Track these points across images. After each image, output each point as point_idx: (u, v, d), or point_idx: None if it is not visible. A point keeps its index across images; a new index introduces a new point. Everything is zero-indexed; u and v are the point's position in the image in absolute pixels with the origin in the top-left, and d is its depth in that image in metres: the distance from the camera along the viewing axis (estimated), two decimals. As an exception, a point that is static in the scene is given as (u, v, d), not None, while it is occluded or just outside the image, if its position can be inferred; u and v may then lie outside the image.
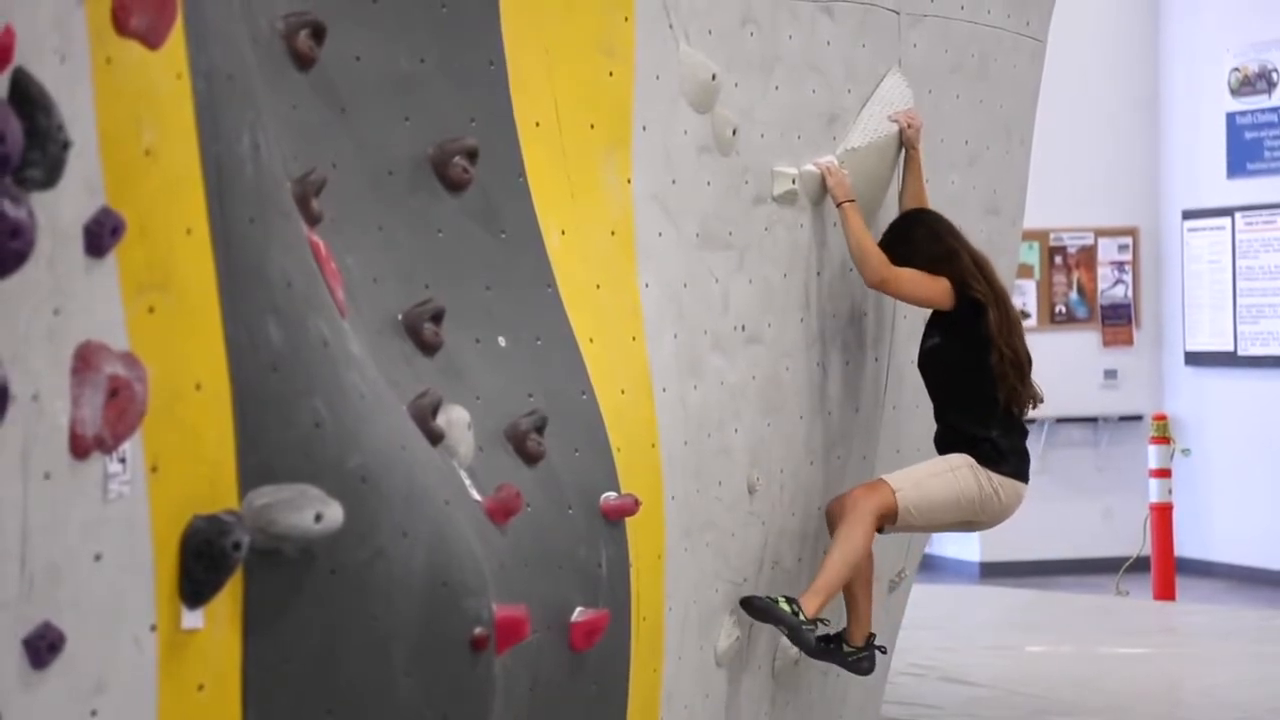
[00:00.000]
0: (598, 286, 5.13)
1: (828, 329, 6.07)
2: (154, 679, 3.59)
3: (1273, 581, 13.38)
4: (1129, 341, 14.56)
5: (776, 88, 5.82)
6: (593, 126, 5.15)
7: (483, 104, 4.89)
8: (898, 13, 6.25)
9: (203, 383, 3.68)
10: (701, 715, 5.57)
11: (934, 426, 6.33)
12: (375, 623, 4.02)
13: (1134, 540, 12.82)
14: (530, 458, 4.75)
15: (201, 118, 3.67)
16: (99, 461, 3.44)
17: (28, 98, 3.25)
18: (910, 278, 5.93)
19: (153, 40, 3.54)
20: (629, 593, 5.01)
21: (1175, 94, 14.39)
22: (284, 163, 4.13)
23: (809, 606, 5.68)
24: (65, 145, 3.31)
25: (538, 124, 5.00)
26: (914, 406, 6.35)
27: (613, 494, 4.97)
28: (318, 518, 3.84)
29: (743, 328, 5.71)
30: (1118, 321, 14.56)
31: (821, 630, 5.79)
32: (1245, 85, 13.84)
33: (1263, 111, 13.72)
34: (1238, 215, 13.86)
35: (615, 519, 4.97)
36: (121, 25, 3.47)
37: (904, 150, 6.21)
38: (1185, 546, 13.22)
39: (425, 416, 4.41)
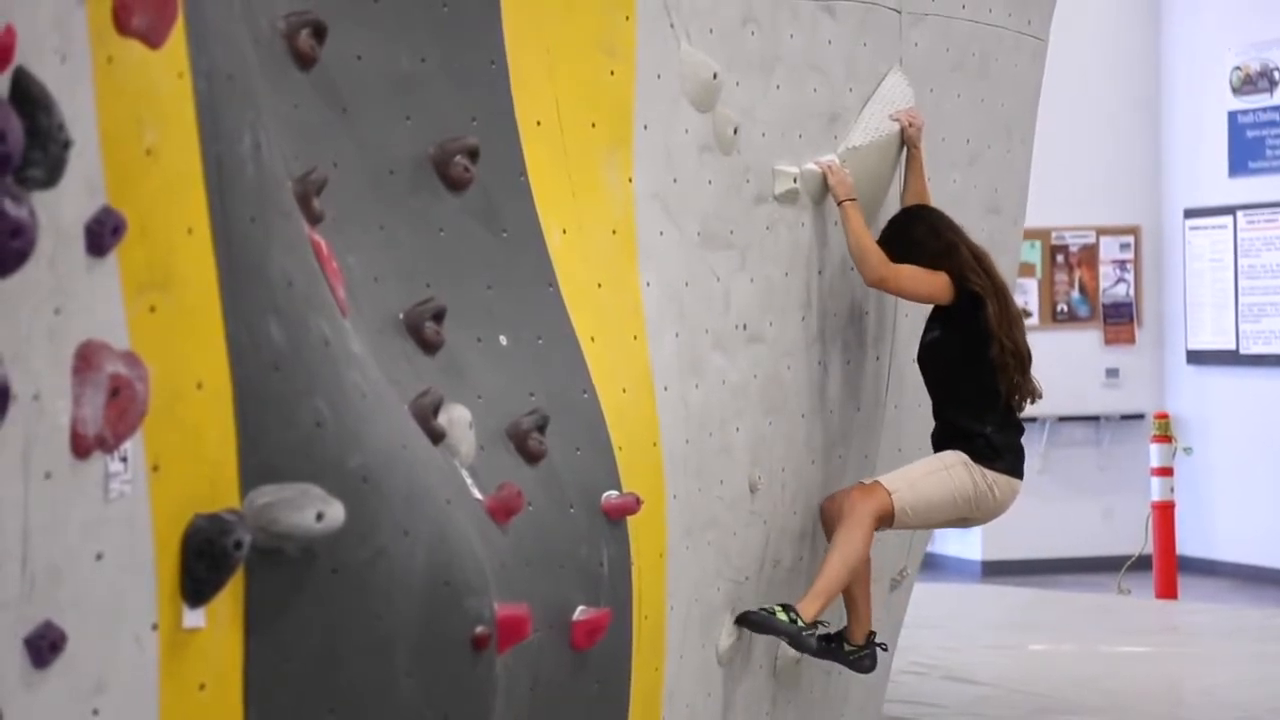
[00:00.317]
0: (599, 285, 5.13)
1: (829, 328, 6.07)
2: (155, 678, 3.60)
3: (1275, 580, 13.38)
4: (1131, 340, 14.56)
5: (778, 87, 5.82)
6: (594, 125, 5.15)
7: (484, 103, 4.89)
8: (899, 12, 6.25)
9: (204, 382, 3.68)
10: (703, 714, 5.57)
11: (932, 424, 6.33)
12: (377, 622, 4.02)
13: (1136, 539, 12.82)
14: (531, 456, 4.75)
15: (202, 117, 3.67)
16: (100, 461, 3.44)
17: (29, 97, 3.25)
18: (910, 274, 5.93)
19: (154, 40, 3.54)
20: (630, 592, 5.01)
21: (1177, 93, 14.39)
22: (285, 162, 4.13)
23: (808, 611, 5.68)
24: (66, 144, 3.31)
25: (539, 123, 5.00)
26: (915, 405, 6.35)
27: (614, 493, 4.97)
28: (319, 517, 3.84)
29: (744, 327, 5.71)
30: (1120, 320, 14.56)
31: (821, 630, 5.79)
32: (1247, 84, 13.83)
33: (1264, 110, 13.71)
34: (1239, 214, 13.86)
35: (617, 518, 4.97)
36: (122, 25, 3.48)
37: (905, 149, 6.21)
38: (1187, 545, 13.22)
39: (426, 415, 4.41)
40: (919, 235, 6.00)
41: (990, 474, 5.96)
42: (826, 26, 5.99)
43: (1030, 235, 12.66)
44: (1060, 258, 14.55)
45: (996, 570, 14.06)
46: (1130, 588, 12.43)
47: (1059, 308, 14.55)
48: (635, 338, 5.23)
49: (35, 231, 3.26)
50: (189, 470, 3.65)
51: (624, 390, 5.12)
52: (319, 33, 4.50)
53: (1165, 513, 12.30)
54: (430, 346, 4.62)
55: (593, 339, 5.04)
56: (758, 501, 5.77)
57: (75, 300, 3.38)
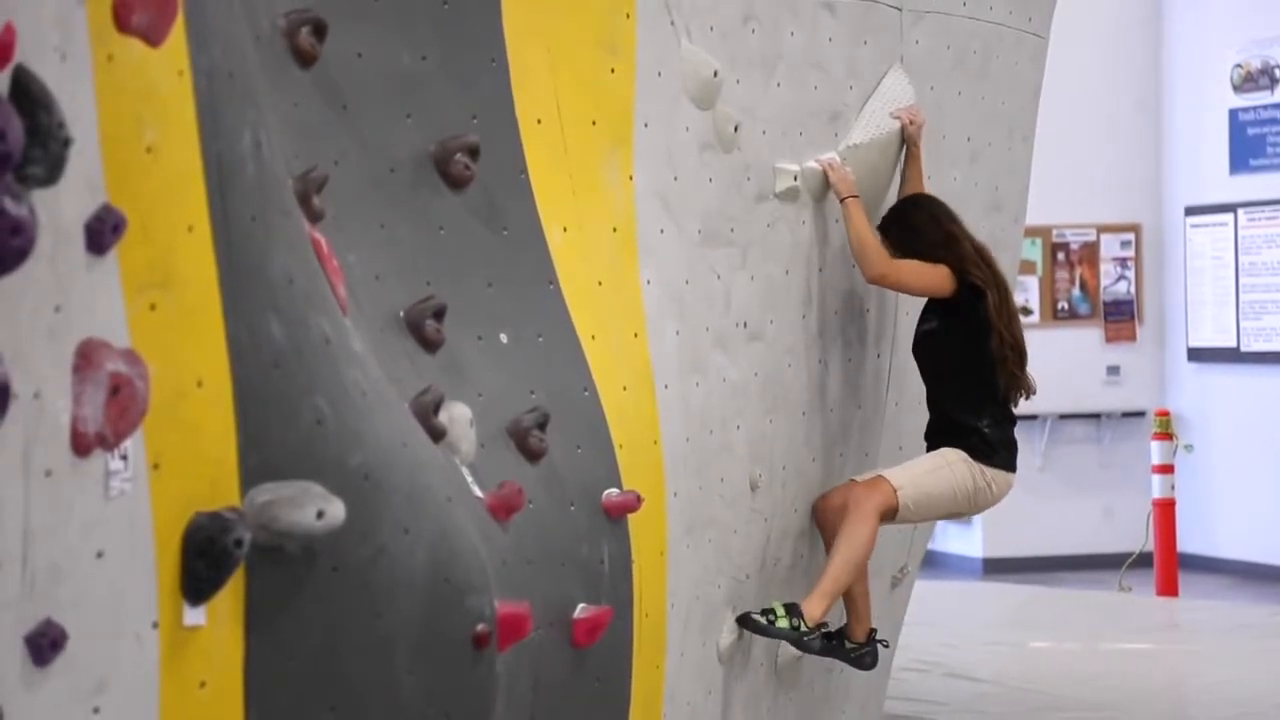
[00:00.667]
0: (599, 283, 5.13)
1: (830, 326, 6.07)
2: (156, 676, 3.60)
3: (1275, 577, 13.38)
4: (1132, 338, 14.55)
5: (778, 85, 5.82)
6: (594, 123, 5.15)
7: (484, 101, 4.89)
8: (900, 10, 6.25)
9: (204, 380, 3.68)
10: (704, 712, 5.57)
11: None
12: (377, 620, 4.02)
13: (1137, 536, 12.82)
14: (532, 455, 4.76)
15: (203, 115, 3.67)
16: (100, 459, 3.44)
17: (29, 95, 3.25)
18: (910, 269, 5.94)
19: (154, 38, 3.54)
20: (631, 589, 5.01)
21: (1178, 90, 14.38)
22: (285, 160, 4.13)
23: (813, 611, 5.68)
24: (66, 143, 3.31)
25: (539, 121, 5.00)
26: (916, 403, 6.35)
27: (615, 491, 4.97)
28: (319, 515, 3.84)
29: (745, 325, 5.71)
30: (1120, 318, 14.56)
31: (823, 630, 5.80)
32: (1248, 81, 13.83)
33: (1265, 108, 13.71)
34: (1240, 211, 13.86)
35: (617, 516, 4.97)
36: (123, 23, 3.47)
37: (906, 147, 6.21)
38: (1188, 542, 13.21)
39: (427, 414, 4.41)
40: (919, 222, 6.01)
41: (989, 471, 5.99)
42: (827, 24, 5.99)
43: (1031, 233, 12.65)
44: (1061, 255, 14.54)
45: (997, 568, 14.05)
46: (1131, 585, 12.43)
47: (1060, 305, 14.54)
48: (636, 336, 5.23)
49: (35, 230, 3.26)
50: (189, 468, 3.65)
51: (624, 388, 5.12)
52: (319, 31, 4.50)
53: (1166, 510, 12.30)
54: (431, 344, 4.62)
55: (593, 337, 5.04)
56: (758, 499, 5.77)
57: (75, 298, 3.38)
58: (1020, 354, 6.02)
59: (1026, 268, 13.81)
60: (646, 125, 5.29)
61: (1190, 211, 14.26)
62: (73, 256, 3.37)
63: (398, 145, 4.73)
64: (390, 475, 4.05)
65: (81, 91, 3.38)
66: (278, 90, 4.29)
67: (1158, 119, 14.46)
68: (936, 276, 5.96)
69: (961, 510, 6.07)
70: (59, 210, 3.33)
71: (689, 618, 5.40)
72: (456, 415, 4.53)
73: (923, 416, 6.22)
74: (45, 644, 3.33)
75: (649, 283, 5.29)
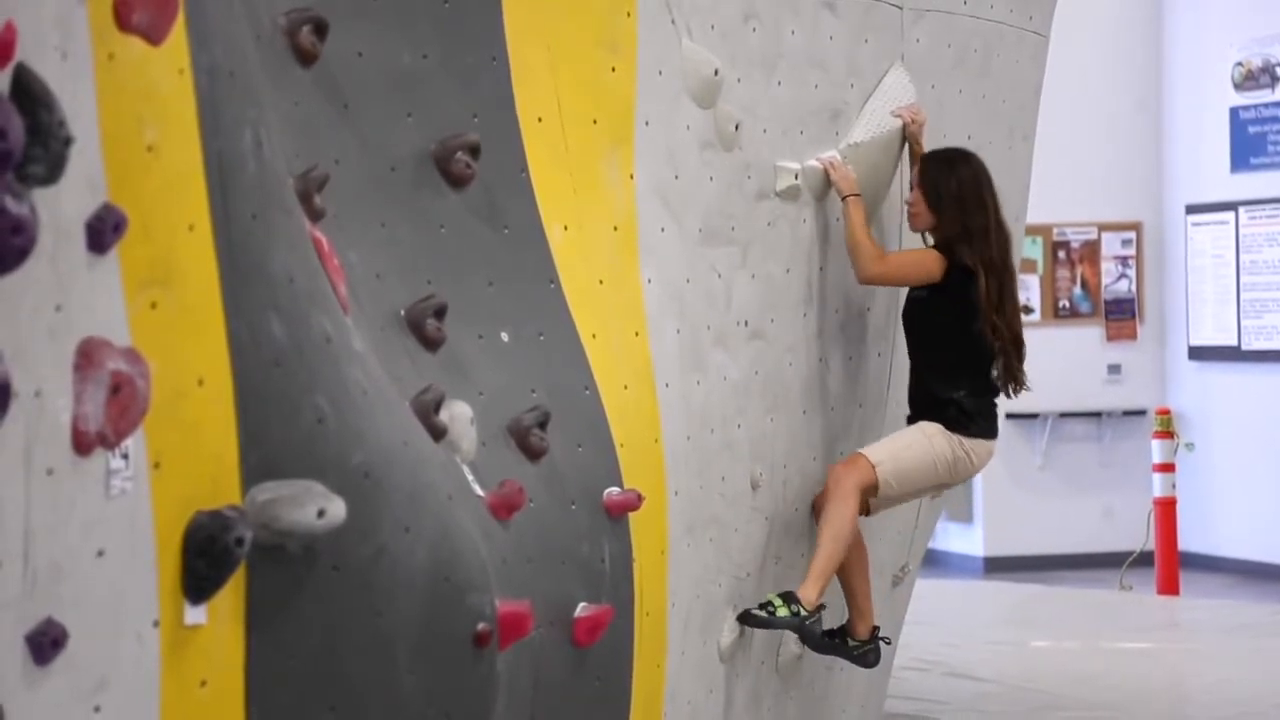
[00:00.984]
0: (600, 282, 5.13)
1: (830, 324, 6.07)
2: (157, 675, 3.60)
3: (1276, 576, 13.38)
4: (1132, 336, 14.55)
5: (779, 83, 5.82)
6: (595, 122, 5.15)
7: (485, 100, 4.89)
8: (901, 8, 6.25)
9: (205, 379, 3.68)
10: (704, 711, 5.57)
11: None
12: (378, 619, 4.02)
13: (1137, 535, 12.82)
14: (533, 453, 4.76)
15: (203, 114, 3.67)
16: (101, 458, 3.43)
17: (29, 94, 3.25)
18: (899, 264, 5.94)
19: (154, 37, 3.54)
20: (632, 588, 5.02)
21: (1178, 89, 14.38)
22: (286, 159, 4.13)
23: (809, 594, 5.68)
24: (67, 142, 3.31)
25: (540, 120, 5.00)
26: (917, 401, 6.35)
27: (615, 489, 4.97)
28: (320, 514, 3.84)
29: (745, 323, 5.71)
30: (1121, 316, 14.56)
31: (823, 614, 5.78)
32: (1249, 80, 13.83)
33: (1266, 106, 13.71)
34: (1241, 210, 13.86)
35: (618, 514, 4.97)
36: (123, 22, 3.47)
37: (907, 145, 6.21)
38: (1189, 541, 13.21)
39: (428, 412, 4.41)
40: (964, 176, 6.00)
41: (967, 441, 5.99)
42: (828, 23, 5.99)
43: (1032, 231, 12.67)
44: (1062, 254, 14.54)
45: (998, 566, 14.06)
46: (1132, 584, 12.43)
47: (1061, 304, 14.54)
48: (637, 334, 5.23)
49: (36, 229, 3.26)
50: (190, 467, 3.65)
51: (625, 387, 5.12)
52: (320, 29, 4.50)
53: (1167, 509, 12.30)
54: (431, 343, 4.62)
55: (594, 336, 5.04)
56: (759, 498, 5.77)
57: (76, 297, 3.37)
58: (1017, 344, 6.02)
59: (1027, 266, 13.82)
60: (647, 124, 5.29)
61: (1191, 210, 14.26)
62: (73, 255, 3.37)
63: (398, 144, 4.73)
64: (391, 474, 4.05)
65: (82, 90, 3.38)
66: (278, 89, 4.29)
67: (1159, 117, 14.46)
68: (925, 264, 5.96)
69: (943, 481, 6.06)
70: (60, 209, 3.33)
71: (690, 616, 5.40)
72: (457, 414, 4.53)
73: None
74: (46, 643, 3.33)
75: (650, 281, 5.29)
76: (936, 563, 13.48)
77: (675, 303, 5.39)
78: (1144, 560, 12.57)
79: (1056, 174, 12.80)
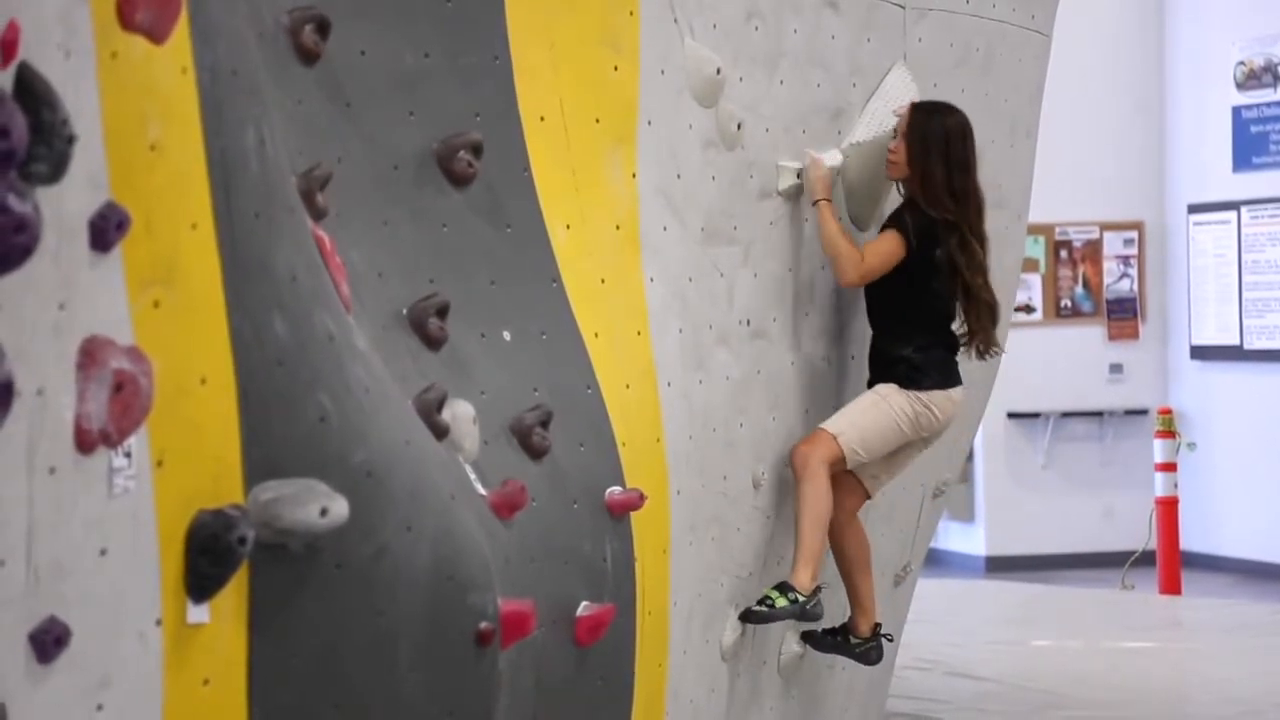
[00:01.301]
0: (602, 281, 5.13)
1: (833, 323, 6.07)
2: (159, 673, 3.60)
3: (1278, 575, 13.38)
4: (1134, 336, 14.55)
5: (781, 82, 5.82)
6: (598, 121, 5.15)
7: (487, 99, 4.89)
8: (903, 7, 6.25)
9: (208, 377, 3.68)
10: (706, 710, 5.57)
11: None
12: (380, 617, 4.03)
13: (1139, 534, 12.82)
14: (535, 452, 4.75)
15: (206, 112, 3.67)
16: (104, 456, 3.44)
17: (33, 93, 3.25)
18: (874, 259, 5.87)
19: (157, 35, 3.54)
20: (634, 587, 5.01)
21: (1180, 88, 14.38)
22: (289, 157, 4.13)
23: (802, 580, 5.67)
24: (70, 140, 3.31)
25: (542, 119, 5.00)
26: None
27: (618, 488, 4.97)
28: (323, 512, 3.84)
29: (748, 322, 5.71)
30: (1123, 316, 14.56)
31: (822, 594, 5.77)
32: (1251, 79, 13.83)
33: (1268, 105, 13.71)
34: (1243, 209, 13.86)
35: (620, 513, 4.97)
36: (126, 20, 3.47)
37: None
38: (1191, 541, 13.21)
39: (430, 411, 4.41)
40: (951, 128, 5.95)
41: (923, 395, 5.92)
42: (830, 22, 5.99)
43: (1034, 231, 12.66)
44: (1064, 253, 14.54)
45: (1000, 566, 14.06)
46: (1134, 583, 12.43)
47: (1063, 303, 14.55)
48: (639, 333, 5.23)
49: (39, 227, 3.26)
50: (193, 466, 3.65)
51: (627, 386, 5.12)
52: (323, 28, 4.49)
53: (1169, 508, 12.30)
54: (434, 342, 4.62)
55: (596, 334, 5.04)
56: (761, 497, 5.77)
57: (79, 295, 3.38)
58: (991, 310, 5.97)
59: (1030, 266, 13.82)
60: (650, 123, 5.29)
61: (1193, 209, 14.26)
62: (76, 254, 3.37)
63: (401, 143, 4.73)
64: (393, 473, 4.05)
65: (85, 88, 3.38)
66: (281, 87, 4.29)
67: (1161, 117, 14.46)
68: (894, 248, 5.88)
69: (911, 438, 5.97)
70: (63, 207, 3.33)
71: (692, 616, 5.40)
72: (459, 413, 4.53)
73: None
74: (49, 641, 3.33)
75: (652, 280, 5.29)
76: (938, 562, 13.48)
77: (677, 302, 5.39)
78: (1146, 560, 12.58)
79: (1059, 173, 12.80)
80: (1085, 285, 14.57)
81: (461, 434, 4.52)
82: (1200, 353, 14.21)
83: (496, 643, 4.32)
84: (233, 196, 3.74)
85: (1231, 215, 13.94)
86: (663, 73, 5.33)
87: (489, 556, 4.35)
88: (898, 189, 6.05)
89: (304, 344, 3.87)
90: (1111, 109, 14.35)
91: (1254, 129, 13.80)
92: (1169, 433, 12.42)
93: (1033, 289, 14.30)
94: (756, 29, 5.71)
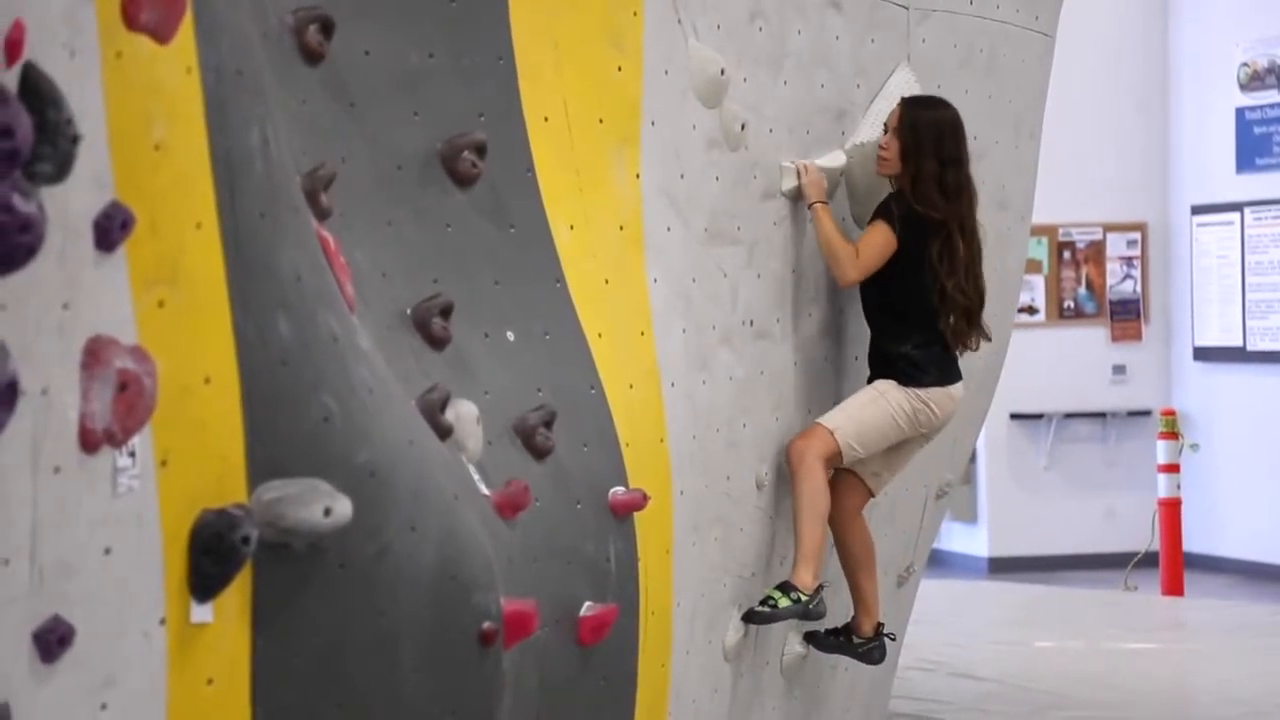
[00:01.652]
0: (606, 281, 5.13)
1: (836, 323, 6.07)
2: (163, 673, 3.60)
3: (1281, 577, 13.38)
4: (1137, 337, 14.55)
5: (785, 83, 5.82)
6: (601, 121, 5.15)
7: (491, 99, 4.89)
8: (906, 8, 6.25)
9: (212, 377, 3.68)
10: (709, 710, 5.58)
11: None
12: (384, 617, 4.03)
13: (1142, 536, 12.81)
14: (539, 452, 4.76)
15: (211, 112, 3.68)
16: (108, 456, 3.44)
17: (38, 92, 3.25)
18: (869, 254, 5.83)
19: (162, 35, 3.54)
20: (637, 587, 5.02)
21: (1184, 89, 14.38)
22: (293, 158, 4.13)
23: (803, 579, 5.66)
24: (75, 139, 3.31)
25: (546, 119, 5.00)
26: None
27: (621, 489, 4.97)
28: (326, 512, 3.84)
29: (751, 322, 5.71)
30: (1126, 317, 14.56)
31: (824, 591, 5.76)
32: (1254, 80, 13.82)
33: (1272, 107, 13.70)
34: (1247, 210, 13.85)
35: (623, 514, 4.97)
36: (131, 20, 3.48)
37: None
38: (1193, 542, 13.21)
39: (434, 411, 4.41)
40: (945, 122, 5.93)
41: (922, 392, 5.91)
42: (834, 22, 5.99)
43: (1037, 231, 12.61)
44: (1067, 254, 14.54)
45: (1002, 567, 14.06)
46: (1136, 584, 12.43)
47: (1066, 304, 14.54)
48: (642, 334, 5.23)
49: (44, 226, 3.26)
50: (197, 465, 3.65)
51: (631, 386, 5.12)
52: (327, 28, 4.50)
53: (1171, 509, 12.30)
54: (437, 342, 4.62)
55: (600, 335, 5.04)
56: (764, 497, 5.78)
57: (83, 295, 3.38)
58: (970, 304, 5.94)
59: (1032, 267, 13.81)
60: (653, 123, 5.29)
61: (1196, 210, 14.25)
62: (81, 253, 3.37)
63: (405, 143, 4.73)
64: (397, 473, 4.06)
65: (90, 88, 3.38)
66: (285, 87, 4.30)
67: (1164, 118, 14.46)
68: (887, 242, 5.85)
69: (908, 434, 5.96)
70: (67, 207, 3.33)
71: (695, 616, 5.41)
72: (463, 413, 4.53)
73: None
74: (53, 640, 3.33)
75: (656, 280, 5.30)
76: (941, 563, 13.48)
77: (681, 302, 5.39)
78: (1148, 561, 12.57)
79: (1062, 174, 12.79)
80: (1088, 286, 14.56)
81: (465, 434, 4.52)
82: (1203, 354, 14.21)
83: (499, 643, 4.32)
84: (237, 196, 3.74)
85: (1235, 216, 13.93)
86: (666, 73, 5.33)
87: (492, 556, 4.35)
88: (890, 185, 6.03)
89: (308, 344, 3.88)
90: (1115, 110, 14.35)
91: (1257, 130, 13.79)
92: (1172, 434, 12.41)
93: (1036, 290, 14.29)
94: (760, 29, 5.71)
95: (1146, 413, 14.21)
